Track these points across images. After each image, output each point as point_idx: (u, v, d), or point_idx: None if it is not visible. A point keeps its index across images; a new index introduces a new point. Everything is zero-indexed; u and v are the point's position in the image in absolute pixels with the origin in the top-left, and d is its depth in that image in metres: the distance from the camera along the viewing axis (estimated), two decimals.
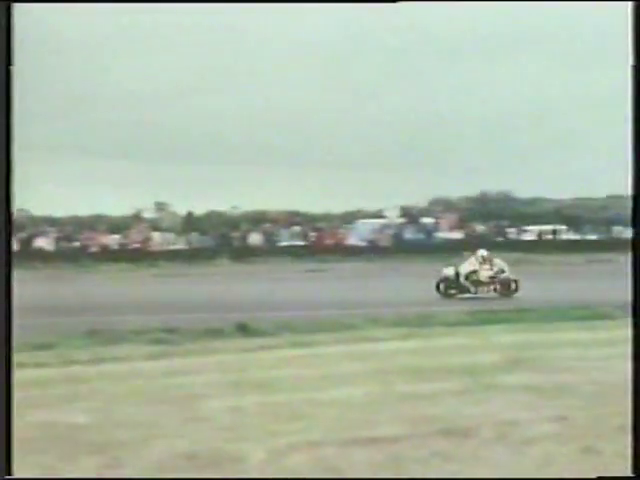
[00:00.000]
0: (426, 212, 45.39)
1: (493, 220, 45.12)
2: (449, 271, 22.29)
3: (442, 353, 10.33)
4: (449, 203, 51.26)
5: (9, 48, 4.17)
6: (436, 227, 43.46)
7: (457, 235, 42.66)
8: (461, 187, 53.78)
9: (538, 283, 23.54)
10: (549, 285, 23.70)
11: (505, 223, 44.73)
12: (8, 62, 4.19)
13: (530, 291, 21.29)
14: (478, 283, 21.98)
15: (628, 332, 12.62)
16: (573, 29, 51.39)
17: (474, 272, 22.05)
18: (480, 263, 22.17)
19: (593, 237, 44.49)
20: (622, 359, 9.65)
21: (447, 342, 10.87)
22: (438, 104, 56.48)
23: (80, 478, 5.57)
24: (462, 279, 21.96)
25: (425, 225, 43.36)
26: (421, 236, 42.60)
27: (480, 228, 43.86)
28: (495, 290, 21.87)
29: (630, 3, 4.35)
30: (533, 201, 54.33)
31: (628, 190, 6.56)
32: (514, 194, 53.47)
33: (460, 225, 44.02)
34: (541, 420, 6.66)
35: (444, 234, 42.86)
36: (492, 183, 55.30)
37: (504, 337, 12.25)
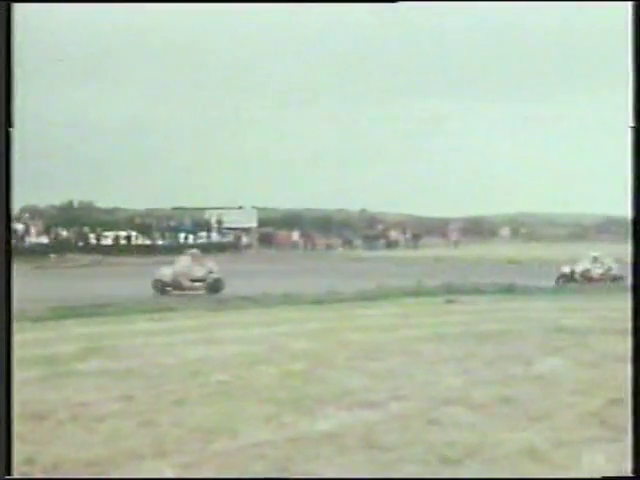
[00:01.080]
0: (17, 219, 46.80)
1: (76, 226, 48.32)
2: (166, 271, 23.11)
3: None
4: (37, 211, 54.86)
5: (9, 48, 4.01)
6: (26, 232, 45.24)
7: (44, 239, 45.43)
8: (48, 196, 59.45)
9: (118, 282, 25.31)
10: (126, 283, 25.08)
11: (87, 229, 47.98)
12: (8, 62, 4.01)
13: (116, 290, 22.22)
14: (195, 281, 22.89)
15: (191, 322, 14.27)
16: None
17: (185, 272, 22.97)
18: (193, 263, 23.17)
19: (160, 242, 49.56)
20: (182, 345, 11.18)
21: (28, 337, 11.23)
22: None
23: (80, 478, 5.63)
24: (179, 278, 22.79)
25: (16, 231, 44.45)
26: (13, 240, 43.28)
27: (64, 233, 46.95)
28: (206, 288, 22.71)
29: (630, 3, 4.35)
30: (112, 210, 60.50)
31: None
32: (96, 203, 59.43)
33: (46, 231, 46.72)
34: (110, 400, 7.72)
35: (33, 239, 45.20)
36: (77, 193, 61.45)
37: (81, 329, 13.07)
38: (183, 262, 23.50)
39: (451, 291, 19.99)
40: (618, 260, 36.39)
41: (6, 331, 4.26)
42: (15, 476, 4.78)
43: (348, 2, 6.17)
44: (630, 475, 4.49)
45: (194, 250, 25.10)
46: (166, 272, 23.11)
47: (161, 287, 22.73)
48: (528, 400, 7.62)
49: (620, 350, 10.64)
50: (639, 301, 4.50)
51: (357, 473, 5.57)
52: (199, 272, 23.05)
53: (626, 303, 16.25)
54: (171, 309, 16.67)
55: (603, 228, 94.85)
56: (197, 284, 22.87)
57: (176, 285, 22.78)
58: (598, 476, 5.39)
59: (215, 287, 22.67)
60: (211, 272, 23.21)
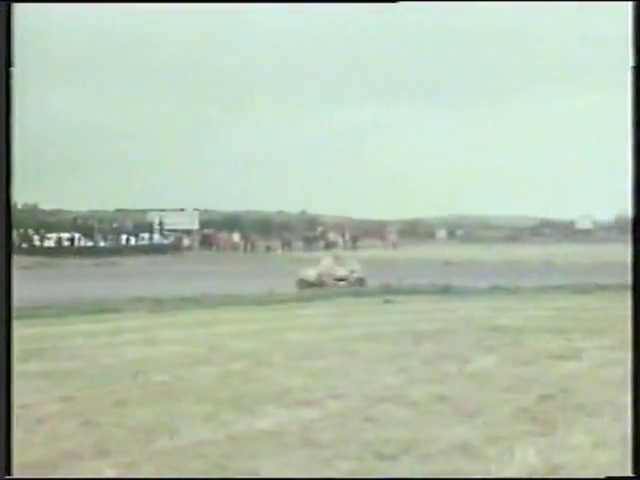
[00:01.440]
0: None
1: (20, 228, 48.09)
2: (310, 272, 24.35)
3: None
4: None
5: (9, 48, 4.01)
6: None
7: None
8: None
9: (59, 283, 25.20)
10: (66, 285, 24.92)
11: (31, 231, 47.12)
12: (8, 62, 3.99)
13: (50, 291, 22.05)
14: (338, 280, 23.84)
15: (132, 323, 14.27)
16: None
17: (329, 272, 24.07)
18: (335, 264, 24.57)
19: (103, 244, 49.37)
20: (123, 345, 11.21)
21: None
22: None
23: (80, 478, 5.59)
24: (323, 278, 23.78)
25: None
26: None
27: None
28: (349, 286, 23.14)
29: (630, 3, 4.33)
30: (55, 212, 59.63)
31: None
32: (40, 206, 58.52)
33: None
34: (50, 401, 7.73)
35: None
36: (20, 196, 58.54)
37: (21, 331, 12.94)
38: (326, 263, 24.77)
39: (389, 291, 20.25)
40: (549, 263, 37.25)
41: (6, 331, 4.31)
42: (15, 476, 4.80)
43: (347, 2, 6.24)
44: (630, 475, 4.52)
45: (335, 252, 25.85)
46: (310, 272, 24.25)
47: (306, 286, 23.27)
48: (462, 397, 7.81)
49: (551, 348, 10.95)
50: (639, 301, 4.54)
51: (295, 470, 5.68)
52: (342, 272, 24.19)
53: (557, 303, 16.72)
54: (114, 310, 16.60)
55: (537, 230, 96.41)
56: (341, 283, 23.59)
57: (320, 284, 23.47)
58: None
59: (359, 285, 23.34)
60: (353, 272, 24.34)
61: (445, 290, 20.68)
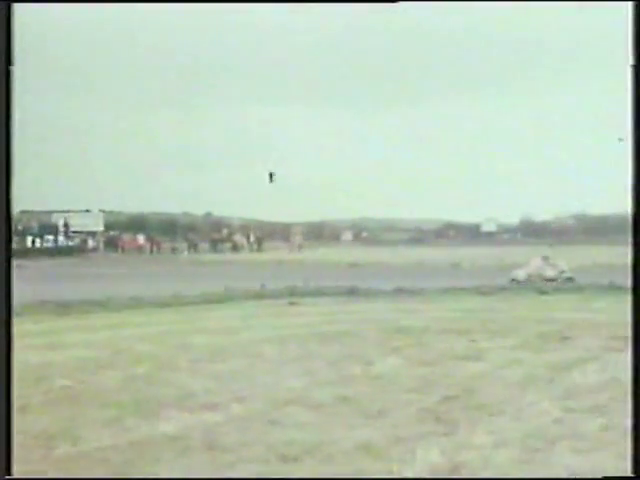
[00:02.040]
0: None
1: None
2: (520, 272, 24.95)
3: None
4: None
5: (9, 48, 3.97)
6: None
7: None
8: None
9: None
10: None
11: None
12: (8, 62, 3.92)
13: None
14: (548, 280, 24.29)
15: (36, 326, 13.97)
16: None
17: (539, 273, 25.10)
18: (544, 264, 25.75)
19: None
20: (26, 350, 10.97)
21: None
22: None
23: (80, 478, 5.51)
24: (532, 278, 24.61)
25: None
26: None
27: None
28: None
29: (630, 3, 4.32)
30: None
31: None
32: None
33: None
34: None
35: None
36: None
37: None
38: (536, 263, 25.71)
39: (294, 293, 20.27)
40: (453, 265, 37.82)
41: (6, 331, 4.37)
42: (15, 476, 4.80)
43: (347, 2, 6.19)
44: (630, 475, 4.57)
45: (546, 254, 26.10)
46: (520, 273, 25.02)
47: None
48: (367, 399, 7.86)
49: (455, 348, 11.11)
50: (639, 301, 4.60)
51: (199, 474, 5.65)
52: (552, 272, 24.98)
53: (461, 304, 16.93)
54: (17, 314, 16.16)
55: (442, 233, 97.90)
56: (550, 283, 23.65)
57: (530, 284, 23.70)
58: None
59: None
60: (563, 272, 25.05)
61: (350, 292, 20.81)
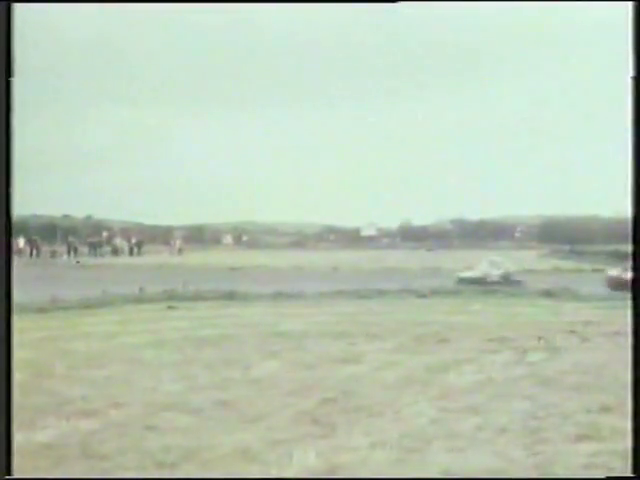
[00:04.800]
0: None
1: None
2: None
3: None
4: None
5: (9, 48, 3.83)
6: None
7: None
8: None
9: None
10: None
11: None
12: (8, 62, 3.76)
13: None
14: None
15: None
16: None
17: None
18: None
19: None
20: None
21: None
22: None
23: (80, 478, 5.35)
24: None
25: None
26: None
27: None
28: None
29: (630, 3, 4.30)
30: None
31: None
32: None
33: None
34: None
35: None
36: None
37: None
38: (484, 265, 27.52)
39: (173, 297, 20.09)
40: (333, 268, 38.15)
41: (6, 331, 4.39)
42: (15, 476, 4.72)
43: (347, 2, 6.09)
44: (630, 475, 4.57)
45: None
46: (469, 273, 26.98)
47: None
48: (245, 403, 7.85)
49: (334, 352, 11.20)
50: (638, 303, 4.55)
51: None
52: (497, 272, 26.78)
53: (341, 308, 17.07)
54: None
55: (323, 237, 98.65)
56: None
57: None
58: None
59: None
60: (508, 274, 26.98)
61: (230, 296, 20.75)
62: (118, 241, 64.73)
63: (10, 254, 4.55)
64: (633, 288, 4.69)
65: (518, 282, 26.03)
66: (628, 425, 6.92)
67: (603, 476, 5.59)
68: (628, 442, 6.34)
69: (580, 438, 6.53)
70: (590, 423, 7.00)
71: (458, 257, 50.18)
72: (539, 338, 12.35)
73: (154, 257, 52.00)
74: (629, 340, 13.14)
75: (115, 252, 59.72)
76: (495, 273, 26.66)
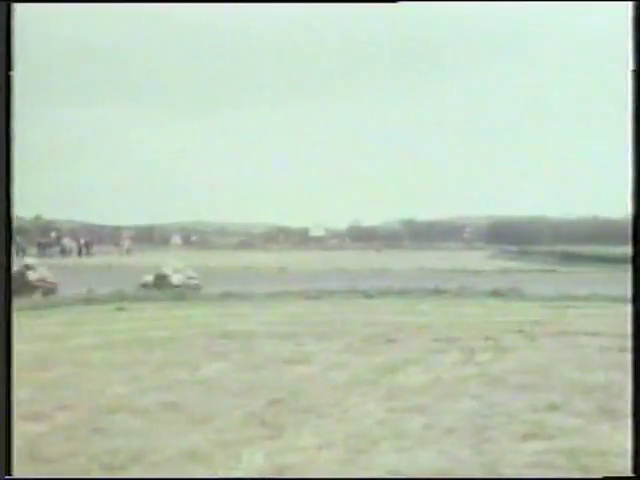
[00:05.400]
0: None
1: None
2: None
3: None
4: None
5: (9, 48, 3.75)
6: None
7: None
8: None
9: None
10: None
11: None
12: (8, 62, 3.66)
13: None
14: None
15: None
16: None
17: None
18: None
19: None
20: None
21: None
22: None
23: (80, 478, 5.29)
24: None
25: None
26: None
27: None
28: None
29: (630, 3, 4.29)
30: None
31: None
32: None
33: None
34: None
35: None
36: None
37: None
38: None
39: (122, 298, 19.96)
40: (282, 269, 38.14)
41: (6, 331, 4.34)
42: (15, 476, 4.71)
43: (347, 2, 6.03)
44: (630, 475, 4.53)
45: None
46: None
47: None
48: (193, 404, 7.83)
49: (282, 352, 11.21)
50: (638, 303, 4.51)
51: None
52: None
53: (289, 308, 17.07)
54: None
55: (272, 237, 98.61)
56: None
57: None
58: None
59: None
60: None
61: (178, 297, 20.67)
62: (67, 241, 64.10)
63: (10, 254, 4.46)
64: (633, 288, 4.63)
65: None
66: (573, 423, 7.08)
67: (602, 476, 5.64)
68: (574, 440, 6.49)
69: (526, 437, 6.61)
70: (536, 422, 7.09)
71: (407, 258, 50.46)
72: (487, 338, 12.47)
73: (103, 258, 51.57)
74: (576, 339, 13.31)
75: (64, 253, 59.13)
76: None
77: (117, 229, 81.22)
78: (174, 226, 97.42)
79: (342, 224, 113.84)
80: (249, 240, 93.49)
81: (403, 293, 21.96)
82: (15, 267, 24.21)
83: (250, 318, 15.72)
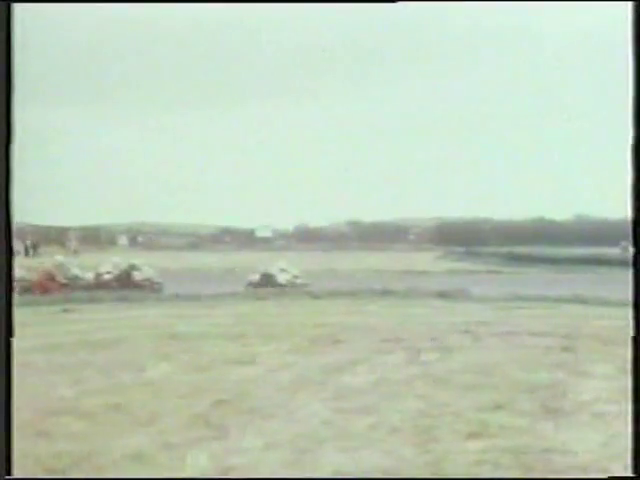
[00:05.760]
0: None
1: None
2: None
3: None
4: None
5: (9, 48, 3.68)
6: None
7: None
8: None
9: None
10: None
11: None
12: (8, 62, 3.60)
13: None
14: None
15: None
16: None
17: None
18: None
19: None
20: None
21: None
22: None
23: (80, 478, 5.26)
24: None
25: None
26: None
27: None
28: None
29: (630, 3, 4.26)
30: None
31: None
32: None
33: None
34: None
35: None
36: None
37: None
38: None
39: (68, 300, 19.75)
40: (228, 270, 38.01)
41: (5, 331, 4.19)
42: (15, 476, 4.56)
43: (348, 2, 5.94)
44: (630, 475, 4.45)
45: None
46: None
47: None
48: (138, 406, 7.76)
49: (228, 353, 11.17)
50: (639, 303, 4.40)
51: None
52: None
53: (237, 309, 17.02)
54: None
55: (218, 238, 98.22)
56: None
57: None
58: None
59: None
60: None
61: (125, 298, 20.52)
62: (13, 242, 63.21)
63: (10, 254, 4.41)
64: (633, 288, 4.56)
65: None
66: (518, 422, 7.14)
67: (595, 476, 5.61)
68: (518, 439, 6.55)
69: (470, 436, 6.66)
70: (480, 421, 7.14)
71: (354, 259, 50.59)
72: (433, 338, 12.55)
73: (50, 259, 50.91)
74: (521, 339, 13.43)
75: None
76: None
77: (64, 230, 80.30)
78: (120, 227, 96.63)
79: (289, 225, 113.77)
80: (196, 241, 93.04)
81: (351, 294, 22.02)
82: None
83: (198, 319, 15.68)
